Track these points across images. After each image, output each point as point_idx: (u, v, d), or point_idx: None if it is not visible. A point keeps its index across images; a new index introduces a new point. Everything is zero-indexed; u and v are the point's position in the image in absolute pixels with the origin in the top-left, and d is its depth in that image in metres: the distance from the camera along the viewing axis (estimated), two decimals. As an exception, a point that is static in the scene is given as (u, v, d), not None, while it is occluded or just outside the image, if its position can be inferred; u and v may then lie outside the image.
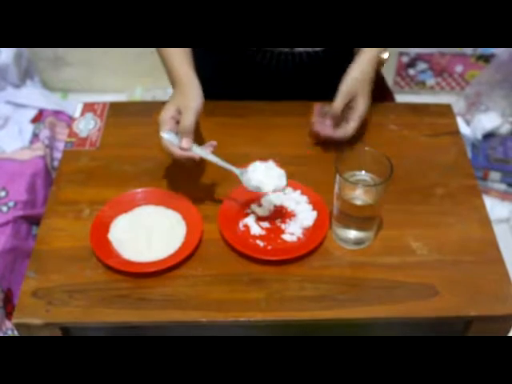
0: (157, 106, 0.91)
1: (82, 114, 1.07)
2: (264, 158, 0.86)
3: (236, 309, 0.78)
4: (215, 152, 0.87)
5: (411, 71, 2.15)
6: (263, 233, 0.87)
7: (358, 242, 0.85)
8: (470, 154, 1.81)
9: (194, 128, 0.85)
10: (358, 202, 0.81)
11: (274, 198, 0.90)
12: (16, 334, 0.80)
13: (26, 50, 1.99)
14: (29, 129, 1.72)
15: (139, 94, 2.15)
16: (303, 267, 0.83)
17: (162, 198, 0.90)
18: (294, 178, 0.91)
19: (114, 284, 0.81)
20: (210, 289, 0.80)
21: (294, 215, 0.89)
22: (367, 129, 1.03)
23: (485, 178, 1.85)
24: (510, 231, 1.75)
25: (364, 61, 0.95)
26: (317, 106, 0.98)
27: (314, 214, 0.88)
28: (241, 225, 0.88)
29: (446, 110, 1.08)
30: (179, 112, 0.86)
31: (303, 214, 0.88)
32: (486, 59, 2.07)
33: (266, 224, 0.88)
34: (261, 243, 0.85)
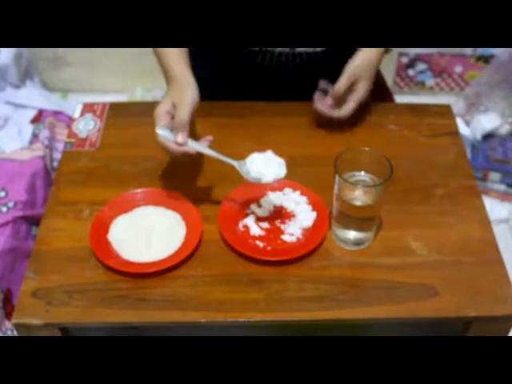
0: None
1: (82, 114, 1.07)
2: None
3: (236, 309, 0.78)
4: (214, 149, 0.86)
5: (411, 72, 2.15)
6: (263, 233, 0.87)
7: (357, 242, 0.85)
8: (469, 155, 1.81)
9: (188, 122, 0.84)
10: (358, 203, 0.81)
11: (274, 199, 0.90)
12: (15, 334, 0.80)
13: (25, 50, 1.99)
14: (28, 129, 1.72)
15: (140, 94, 2.15)
16: (303, 268, 0.83)
17: (162, 199, 0.90)
18: (294, 179, 0.91)
19: (113, 284, 0.81)
20: (210, 289, 0.80)
21: (293, 216, 0.89)
22: (367, 129, 1.03)
23: (484, 179, 1.85)
24: (509, 232, 1.75)
25: (371, 48, 0.96)
26: (321, 82, 0.99)
27: (314, 214, 0.88)
28: (240, 225, 0.88)
29: (445, 111, 1.08)
30: (174, 107, 0.86)
31: (303, 215, 0.88)
32: (486, 60, 2.07)
33: (265, 224, 0.88)
34: (260, 244, 0.85)
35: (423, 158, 0.99)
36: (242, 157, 0.86)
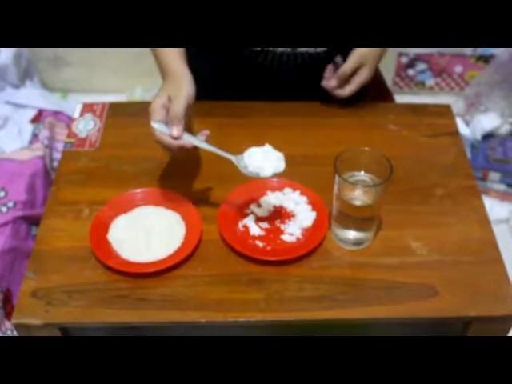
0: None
1: (82, 114, 1.07)
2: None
3: (235, 309, 0.78)
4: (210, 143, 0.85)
5: (410, 72, 2.15)
6: (262, 233, 0.87)
7: (357, 242, 0.85)
8: (469, 155, 1.81)
9: (184, 116, 0.83)
10: (358, 203, 0.81)
11: (274, 199, 0.90)
12: (15, 334, 0.80)
13: (25, 50, 1.99)
14: (28, 129, 1.72)
15: (139, 94, 2.15)
16: (302, 268, 0.83)
17: (162, 199, 0.90)
18: (294, 179, 0.91)
19: (113, 284, 0.81)
20: (210, 289, 0.80)
21: (293, 216, 0.89)
22: (367, 129, 1.03)
23: (484, 179, 1.85)
24: (509, 231, 1.75)
25: None
26: (337, 58, 1.04)
27: (314, 214, 0.88)
28: (240, 225, 0.88)
29: (445, 111, 1.08)
30: (170, 101, 0.85)
31: (302, 215, 0.88)
32: (486, 60, 2.07)
33: (265, 224, 0.88)
34: (260, 244, 0.85)
35: (423, 157, 0.99)
36: (241, 157, 0.86)
